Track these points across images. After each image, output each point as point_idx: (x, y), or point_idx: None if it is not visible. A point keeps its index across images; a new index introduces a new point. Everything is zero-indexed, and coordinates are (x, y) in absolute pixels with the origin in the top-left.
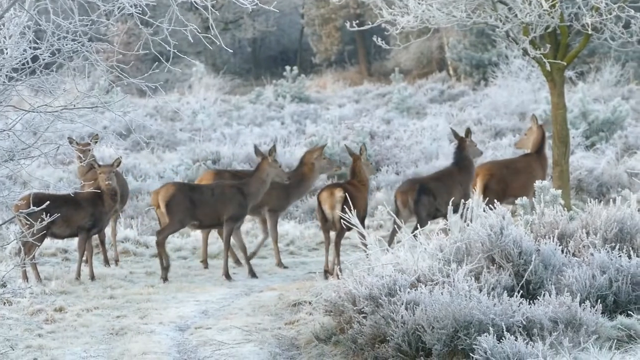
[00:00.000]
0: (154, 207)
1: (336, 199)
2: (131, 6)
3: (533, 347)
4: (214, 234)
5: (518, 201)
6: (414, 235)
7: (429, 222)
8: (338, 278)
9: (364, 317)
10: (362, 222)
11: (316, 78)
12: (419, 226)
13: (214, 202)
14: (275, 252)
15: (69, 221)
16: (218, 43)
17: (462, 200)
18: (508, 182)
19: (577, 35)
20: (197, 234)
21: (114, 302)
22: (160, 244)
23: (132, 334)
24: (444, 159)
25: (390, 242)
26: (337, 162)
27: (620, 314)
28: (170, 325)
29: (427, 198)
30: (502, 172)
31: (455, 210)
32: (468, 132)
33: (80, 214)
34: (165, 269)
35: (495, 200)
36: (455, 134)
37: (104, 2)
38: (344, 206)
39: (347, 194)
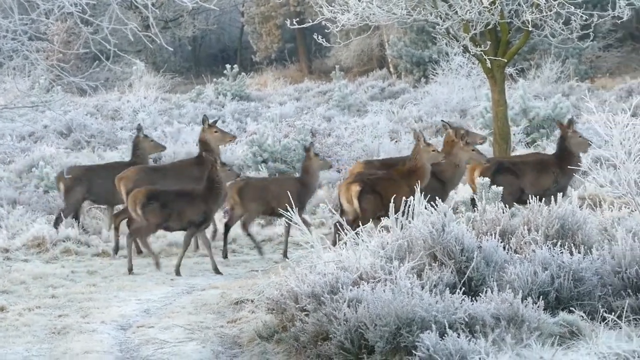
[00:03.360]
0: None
1: (352, 192)
2: (71, 5)
3: (475, 343)
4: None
5: (458, 198)
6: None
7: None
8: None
9: (307, 315)
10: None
11: (257, 76)
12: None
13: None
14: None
15: (182, 216)
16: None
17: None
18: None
19: (518, 32)
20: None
21: (55, 301)
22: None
23: (74, 333)
24: (385, 156)
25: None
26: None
27: (562, 310)
28: (112, 324)
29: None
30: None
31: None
32: (570, 122)
33: (194, 209)
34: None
35: None
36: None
37: (44, 1)
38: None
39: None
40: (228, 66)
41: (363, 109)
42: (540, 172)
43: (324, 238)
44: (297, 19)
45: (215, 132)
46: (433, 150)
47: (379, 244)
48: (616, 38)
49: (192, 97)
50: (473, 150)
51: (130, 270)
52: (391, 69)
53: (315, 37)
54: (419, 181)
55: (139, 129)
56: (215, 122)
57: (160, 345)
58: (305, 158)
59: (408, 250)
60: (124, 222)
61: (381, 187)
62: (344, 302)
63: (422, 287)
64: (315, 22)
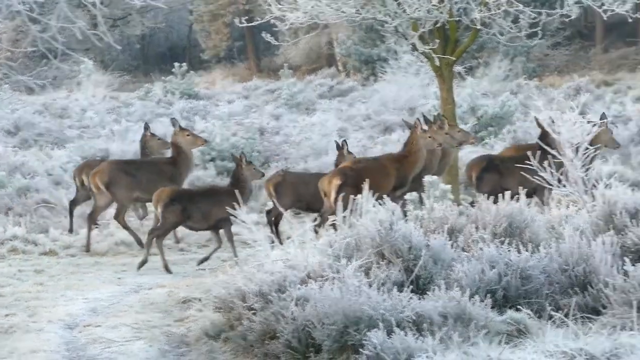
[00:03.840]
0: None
1: (332, 186)
2: (19, 3)
3: (423, 342)
4: None
5: (408, 197)
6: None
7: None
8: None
9: (254, 314)
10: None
11: (205, 74)
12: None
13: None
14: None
15: (209, 216)
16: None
17: None
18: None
19: (466, 30)
20: (86, 231)
21: (2, 300)
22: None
23: (20, 333)
24: (333, 155)
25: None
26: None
27: (510, 308)
28: (59, 323)
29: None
30: None
31: None
32: (603, 116)
33: (221, 209)
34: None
35: None
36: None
37: None
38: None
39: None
40: (177, 64)
41: (312, 107)
42: None
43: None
44: (246, 17)
45: (187, 135)
46: (429, 137)
47: (327, 242)
48: (564, 36)
49: (141, 96)
50: (446, 133)
51: (166, 268)
52: (340, 67)
53: (263, 35)
54: (411, 168)
55: (146, 127)
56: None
57: (108, 344)
58: (338, 155)
59: (356, 249)
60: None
61: (366, 176)
62: (292, 300)
63: (370, 286)
64: (264, 21)
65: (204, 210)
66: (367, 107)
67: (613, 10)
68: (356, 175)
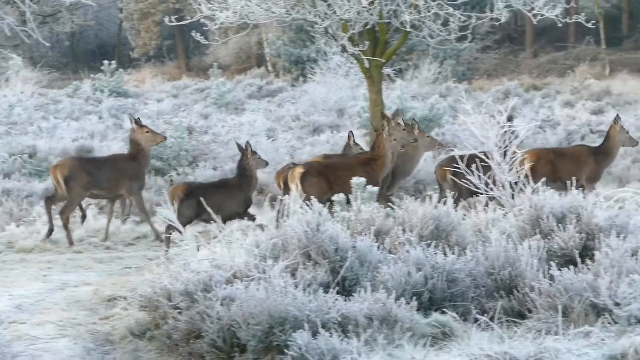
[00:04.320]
0: None
1: (295, 175)
2: None
3: (348, 343)
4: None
5: (335, 198)
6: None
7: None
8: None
9: (180, 313)
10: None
11: (135, 73)
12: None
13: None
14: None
15: (224, 208)
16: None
17: None
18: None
19: (396, 32)
20: (12, 228)
21: None
22: None
23: None
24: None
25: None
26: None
27: (436, 311)
28: None
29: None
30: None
31: None
32: (617, 119)
33: (234, 200)
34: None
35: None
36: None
37: None
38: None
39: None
40: (106, 62)
41: (241, 107)
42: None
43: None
44: (176, 16)
45: (147, 132)
46: (394, 140)
47: (254, 242)
48: (494, 40)
49: (70, 93)
50: (404, 129)
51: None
52: (269, 68)
53: (193, 34)
54: (379, 170)
55: (137, 121)
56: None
57: (32, 341)
58: (346, 146)
59: (283, 250)
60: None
61: (331, 172)
62: (217, 300)
63: (296, 287)
64: (194, 20)
65: (217, 203)
66: (297, 108)
67: (543, 15)
68: (322, 168)
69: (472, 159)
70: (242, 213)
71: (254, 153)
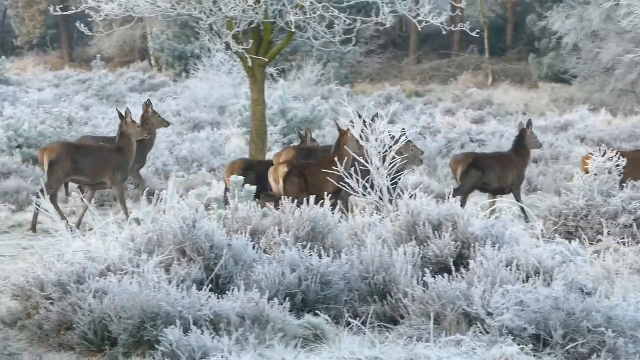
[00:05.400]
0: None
1: (279, 174)
2: None
3: (219, 341)
4: None
5: (211, 195)
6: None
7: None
8: None
9: (52, 304)
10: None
11: (17, 60)
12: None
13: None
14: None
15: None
16: None
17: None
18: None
19: (281, 32)
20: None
21: None
22: None
23: None
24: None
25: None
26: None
27: (308, 312)
28: None
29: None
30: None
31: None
32: (529, 124)
33: None
34: None
35: None
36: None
37: None
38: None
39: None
40: None
41: (122, 100)
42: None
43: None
44: (61, 6)
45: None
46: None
47: (129, 236)
48: (378, 44)
49: None
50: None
51: None
52: (152, 62)
53: (78, 25)
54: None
55: (149, 103)
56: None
57: None
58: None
59: (158, 245)
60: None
61: (309, 172)
62: (90, 292)
63: (170, 282)
64: (79, 10)
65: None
66: (178, 103)
67: (428, 22)
68: (302, 167)
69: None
70: None
71: (313, 140)
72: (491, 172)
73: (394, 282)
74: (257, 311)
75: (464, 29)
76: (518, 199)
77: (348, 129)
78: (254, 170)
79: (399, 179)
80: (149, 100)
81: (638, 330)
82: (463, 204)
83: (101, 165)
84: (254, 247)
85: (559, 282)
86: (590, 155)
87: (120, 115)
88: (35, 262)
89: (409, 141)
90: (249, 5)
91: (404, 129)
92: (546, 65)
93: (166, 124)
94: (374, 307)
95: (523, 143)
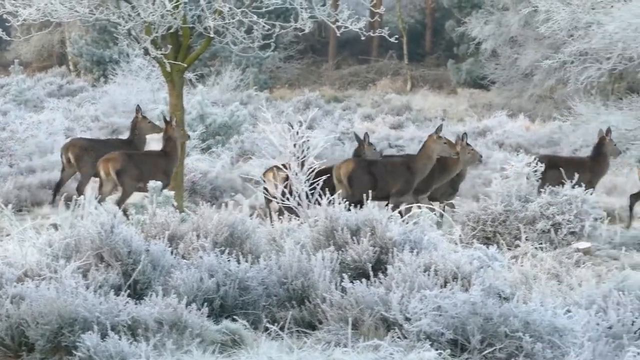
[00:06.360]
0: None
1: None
2: None
3: (137, 347)
4: None
5: (129, 200)
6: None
7: None
8: None
9: None
10: None
11: None
12: None
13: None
14: None
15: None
16: None
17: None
18: None
19: (200, 37)
20: None
21: None
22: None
23: None
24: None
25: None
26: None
27: (227, 318)
28: None
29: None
30: None
31: None
32: (609, 130)
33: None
34: None
35: None
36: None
37: None
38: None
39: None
40: None
41: (40, 105)
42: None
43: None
44: None
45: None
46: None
47: (47, 241)
48: (297, 50)
49: None
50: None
51: None
52: (71, 67)
53: None
54: None
55: (138, 109)
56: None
57: None
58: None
59: (75, 250)
60: None
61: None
62: (7, 298)
63: (87, 288)
64: None
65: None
66: (96, 108)
67: (347, 27)
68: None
69: None
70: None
71: (370, 144)
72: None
73: (312, 287)
74: (175, 316)
75: (383, 34)
76: None
77: (437, 132)
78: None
79: None
80: (138, 105)
81: (555, 335)
82: None
83: (154, 171)
84: (172, 252)
85: (476, 287)
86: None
87: (166, 120)
88: None
89: (467, 144)
90: (167, 11)
91: (465, 133)
92: (465, 70)
93: (158, 129)
94: (292, 312)
95: (601, 149)
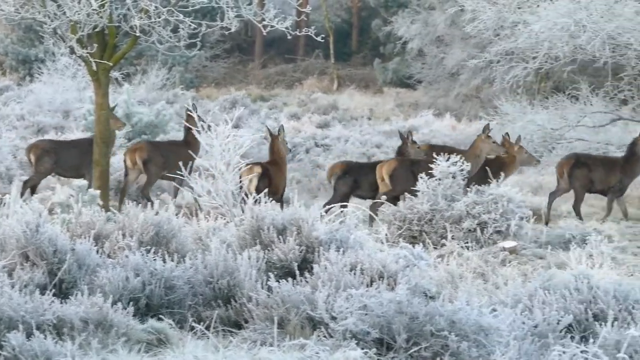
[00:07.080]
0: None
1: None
2: None
3: (62, 346)
4: None
5: (55, 199)
6: None
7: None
8: None
9: None
10: (282, 198)
11: None
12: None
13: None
14: None
15: (373, 185)
16: None
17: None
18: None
19: (125, 36)
20: None
21: None
22: None
23: None
24: None
25: None
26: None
27: (152, 317)
28: None
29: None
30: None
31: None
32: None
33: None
34: None
35: None
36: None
37: None
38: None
39: (267, 172)
40: None
41: None
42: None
43: None
44: None
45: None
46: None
47: None
48: (224, 49)
49: None
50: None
51: None
52: None
53: None
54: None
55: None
56: None
57: None
58: (402, 145)
59: (0, 249)
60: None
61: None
62: None
63: (12, 287)
64: None
65: (371, 181)
66: (22, 107)
67: (273, 26)
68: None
69: None
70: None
71: (414, 142)
72: (595, 173)
73: (238, 287)
74: (101, 315)
75: (309, 33)
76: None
77: (485, 131)
78: (354, 173)
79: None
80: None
81: (481, 334)
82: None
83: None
84: (97, 251)
85: (402, 286)
86: None
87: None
88: None
89: (521, 146)
90: (93, 9)
91: (519, 136)
92: (391, 70)
93: (120, 124)
94: (218, 312)
95: (634, 150)
